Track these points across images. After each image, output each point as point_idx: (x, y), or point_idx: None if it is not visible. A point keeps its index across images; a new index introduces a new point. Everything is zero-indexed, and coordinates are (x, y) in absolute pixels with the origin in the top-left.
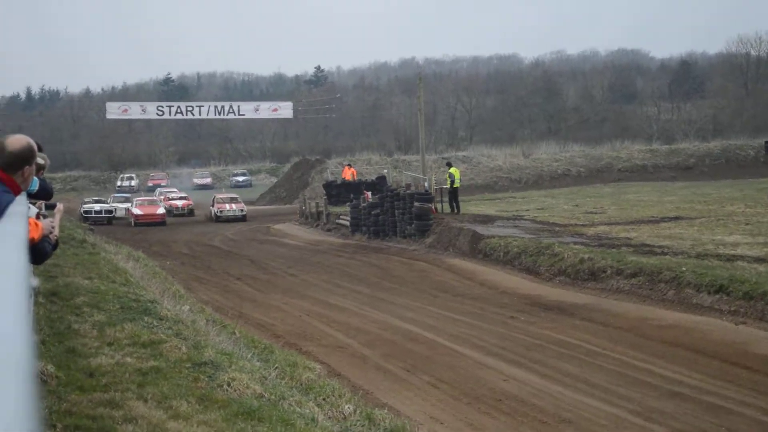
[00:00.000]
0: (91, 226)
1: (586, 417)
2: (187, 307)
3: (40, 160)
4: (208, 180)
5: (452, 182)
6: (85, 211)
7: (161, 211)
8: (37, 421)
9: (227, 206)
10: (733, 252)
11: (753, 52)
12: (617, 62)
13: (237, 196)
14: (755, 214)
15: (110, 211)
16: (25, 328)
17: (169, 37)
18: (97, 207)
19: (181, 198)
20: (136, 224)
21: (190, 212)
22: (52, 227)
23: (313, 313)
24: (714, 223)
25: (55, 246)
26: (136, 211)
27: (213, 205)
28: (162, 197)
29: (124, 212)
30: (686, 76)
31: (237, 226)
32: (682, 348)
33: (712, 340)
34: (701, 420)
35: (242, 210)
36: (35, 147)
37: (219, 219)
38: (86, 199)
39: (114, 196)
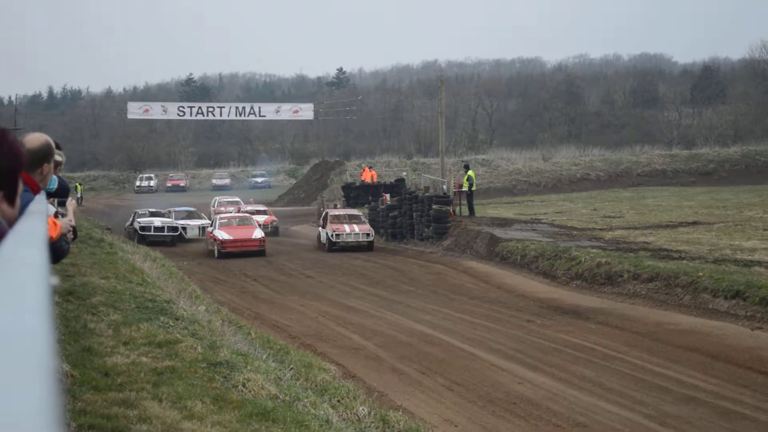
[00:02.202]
0: (143, 243)
1: (601, 421)
2: (203, 307)
3: (58, 158)
4: (227, 181)
5: (471, 185)
6: (142, 227)
7: (258, 234)
8: (60, 421)
9: (346, 227)
10: (750, 257)
11: None
12: (640, 67)
13: (357, 213)
14: None
15: (175, 229)
16: (48, 327)
17: (191, 38)
18: (157, 222)
19: (259, 212)
20: (222, 254)
21: (275, 231)
22: (71, 226)
23: (329, 314)
24: (732, 229)
25: (75, 236)
26: (223, 234)
27: (323, 224)
28: (223, 207)
29: (197, 232)
30: (708, 82)
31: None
32: (698, 353)
33: (728, 345)
34: (716, 425)
35: (368, 234)
36: (53, 144)
37: (335, 246)
38: (140, 211)
39: (176, 210)
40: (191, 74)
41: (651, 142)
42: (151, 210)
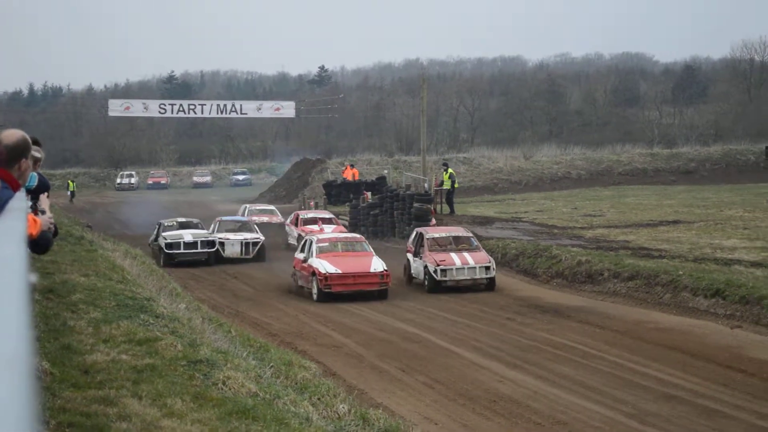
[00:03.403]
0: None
1: (581, 419)
2: (184, 305)
3: (36, 154)
4: (209, 179)
5: (453, 182)
6: (169, 245)
7: (377, 266)
8: (39, 418)
9: (455, 258)
10: (730, 256)
11: (757, 57)
12: (621, 66)
13: (465, 232)
14: (754, 219)
15: (211, 244)
16: (26, 324)
17: (173, 35)
18: (188, 237)
19: (324, 220)
20: (326, 295)
21: None
22: (51, 223)
23: (309, 312)
24: (712, 228)
25: (55, 233)
26: (326, 265)
27: (419, 252)
28: (256, 216)
29: (238, 249)
30: (689, 81)
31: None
32: (678, 351)
33: (708, 343)
34: (696, 423)
35: (488, 266)
36: (29, 140)
37: (439, 286)
38: (166, 222)
39: (221, 220)
40: (172, 71)
41: (632, 141)
42: (180, 220)
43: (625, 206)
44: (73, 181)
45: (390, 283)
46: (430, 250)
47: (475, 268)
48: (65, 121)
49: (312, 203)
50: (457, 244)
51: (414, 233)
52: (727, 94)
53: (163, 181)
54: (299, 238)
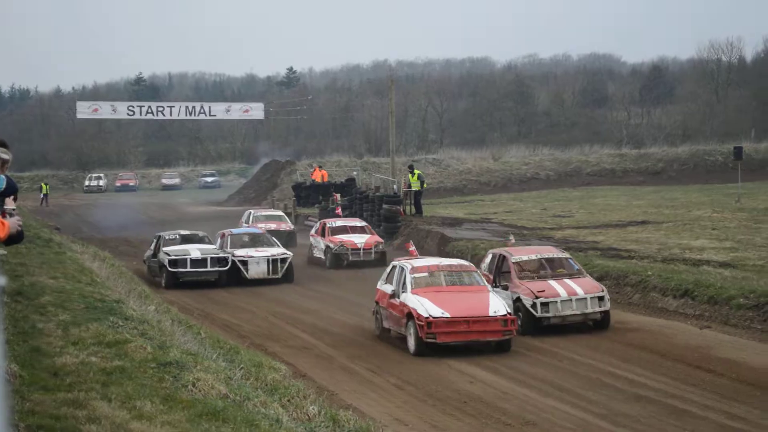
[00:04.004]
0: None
1: (551, 420)
2: (153, 307)
3: (4, 155)
4: (177, 180)
5: (422, 183)
6: (173, 262)
7: (498, 308)
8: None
9: (558, 288)
10: (699, 256)
11: (724, 58)
12: (589, 67)
13: (561, 252)
14: (722, 219)
15: (224, 261)
16: None
17: (140, 37)
18: (196, 253)
19: (354, 229)
20: (428, 346)
21: (380, 257)
22: (19, 225)
23: (279, 314)
24: (681, 228)
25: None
26: (429, 306)
27: (496, 280)
28: (262, 224)
29: (265, 268)
30: (657, 81)
31: (202, 225)
32: (647, 351)
33: (677, 343)
34: (666, 423)
35: (601, 297)
36: None
37: (541, 324)
38: (167, 235)
39: (232, 234)
40: (140, 74)
41: (600, 141)
42: (182, 233)
43: (593, 207)
44: (46, 184)
45: (515, 330)
46: (520, 279)
47: (585, 299)
48: (33, 124)
49: (338, 209)
50: (553, 269)
51: (494, 257)
52: (695, 94)
53: (131, 183)
54: (327, 250)
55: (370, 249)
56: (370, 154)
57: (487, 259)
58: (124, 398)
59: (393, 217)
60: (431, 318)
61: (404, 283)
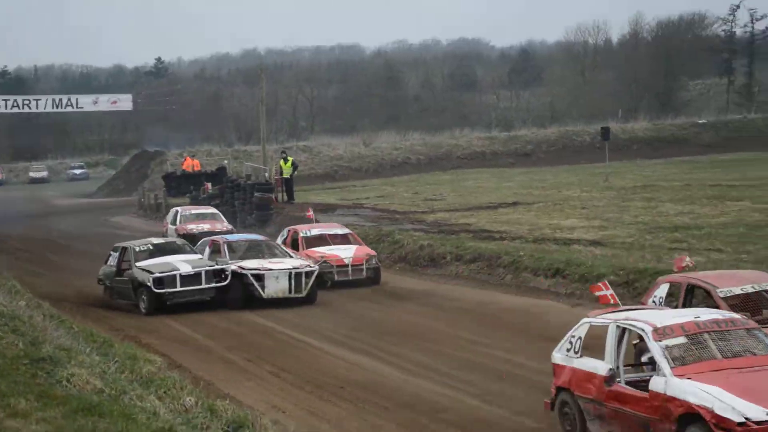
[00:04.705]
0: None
1: (428, 401)
2: (24, 302)
3: None
4: (45, 174)
5: (295, 169)
6: (158, 282)
7: None
8: None
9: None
10: (569, 236)
11: (591, 40)
12: (458, 51)
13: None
14: (591, 199)
15: (220, 276)
16: None
17: (3, 29)
18: (185, 267)
19: (334, 238)
20: None
21: (374, 275)
22: None
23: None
24: (551, 208)
25: None
26: (728, 398)
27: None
28: (193, 225)
29: (285, 285)
30: (525, 65)
31: (71, 218)
32: (520, 331)
33: (549, 321)
34: (539, 402)
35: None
36: None
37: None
38: (136, 247)
39: (228, 242)
40: (5, 66)
41: (470, 125)
42: (155, 242)
43: (464, 190)
44: None
45: None
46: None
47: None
48: None
49: (310, 212)
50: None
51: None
52: (563, 77)
53: None
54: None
55: (361, 264)
56: (241, 142)
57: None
58: None
59: (265, 204)
60: (752, 423)
61: (648, 359)
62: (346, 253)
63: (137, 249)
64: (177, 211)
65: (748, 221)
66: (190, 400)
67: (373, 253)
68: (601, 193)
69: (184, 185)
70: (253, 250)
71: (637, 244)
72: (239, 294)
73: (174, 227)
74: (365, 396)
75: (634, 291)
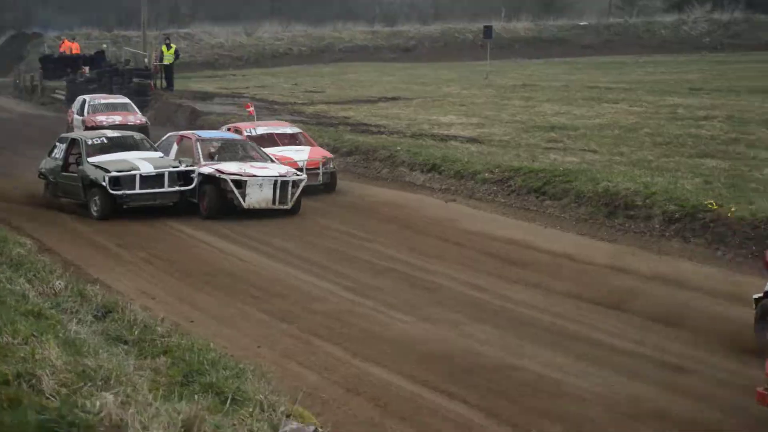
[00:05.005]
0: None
1: (300, 290)
2: None
3: None
4: None
5: (177, 56)
6: (114, 181)
7: None
8: None
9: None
10: (447, 132)
11: None
12: None
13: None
14: (470, 96)
15: (187, 178)
16: None
17: None
18: (144, 165)
19: (282, 138)
20: None
21: (329, 181)
22: None
23: (23, 188)
24: (430, 104)
25: None
26: None
27: None
28: (102, 116)
29: (270, 194)
30: None
31: None
32: (396, 225)
33: (424, 216)
34: (412, 294)
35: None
36: None
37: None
38: (89, 139)
39: (200, 138)
40: None
41: (354, 18)
42: (109, 135)
43: (345, 83)
44: None
45: None
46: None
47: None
48: None
49: (250, 107)
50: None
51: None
52: None
53: None
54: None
55: (317, 169)
56: (121, 27)
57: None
58: None
59: (143, 90)
60: None
61: None
62: (299, 155)
63: (89, 142)
64: (84, 100)
65: (623, 123)
66: (59, 283)
67: (330, 155)
68: (480, 91)
69: (61, 68)
70: (228, 151)
71: (513, 143)
72: (215, 202)
73: (81, 118)
74: (237, 285)
75: (507, 189)
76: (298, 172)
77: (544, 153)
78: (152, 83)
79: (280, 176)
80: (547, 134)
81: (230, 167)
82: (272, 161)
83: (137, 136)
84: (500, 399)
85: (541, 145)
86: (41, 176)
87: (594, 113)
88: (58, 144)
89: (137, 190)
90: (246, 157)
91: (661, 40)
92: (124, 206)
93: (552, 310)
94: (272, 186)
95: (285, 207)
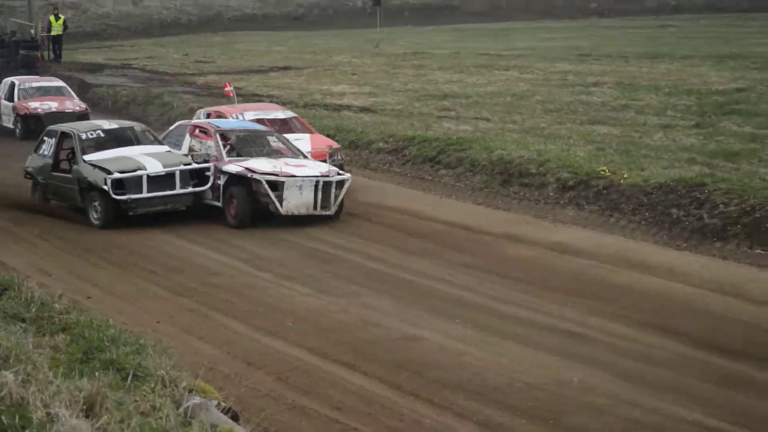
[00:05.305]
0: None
1: (198, 264)
2: None
3: None
4: None
5: (65, 27)
6: (116, 183)
7: None
8: None
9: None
10: (339, 102)
11: None
12: None
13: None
14: (361, 65)
15: (202, 176)
16: None
17: None
18: (154, 165)
19: (276, 124)
20: None
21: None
22: None
23: None
24: (322, 74)
25: None
26: None
27: None
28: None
29: (311, 198)
30: None
31: None
32: None
33: None
34: (309, 266)
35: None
36: None
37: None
38: (82, 133)
39: (220, 131)
40: None
41: None
42: (106, 128)
43: (235, 53)
44: None
45: None
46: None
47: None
48: None
49: (228, 87)
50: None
51: None
52: None
53: None
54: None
55: (324, 160)
56: None
57: None
58: None
59: (31, 63)
60: None
61: None
62: (301, 145)
63: (84, 136)
64: (14, 84)
65: (514, 91)
66: None
67: (336, 144)
68: (371, 60)
69: None
70: (253, 144)
71: (406, 112)
72: (247, 208)
73: (11, 104)
74: (134, 260)
75: (402, 158)
76: (341, 171)
77: (437, 122)
78: (40, 55)
79: (322, 176)
80: (440, 102)
81: (262, 165)
82: (304, 156)
83: (137, 126)
84: (402, 370)
85: (434, 113)
86: (28, 176)
87: (485, 81)
88: (45, 138)
89: (145, 194)
90: (274, 152)
91: (549, 6)
92: (130, 213)
93: (451, 281)
94: (313, 188)
95: (328, 212)
